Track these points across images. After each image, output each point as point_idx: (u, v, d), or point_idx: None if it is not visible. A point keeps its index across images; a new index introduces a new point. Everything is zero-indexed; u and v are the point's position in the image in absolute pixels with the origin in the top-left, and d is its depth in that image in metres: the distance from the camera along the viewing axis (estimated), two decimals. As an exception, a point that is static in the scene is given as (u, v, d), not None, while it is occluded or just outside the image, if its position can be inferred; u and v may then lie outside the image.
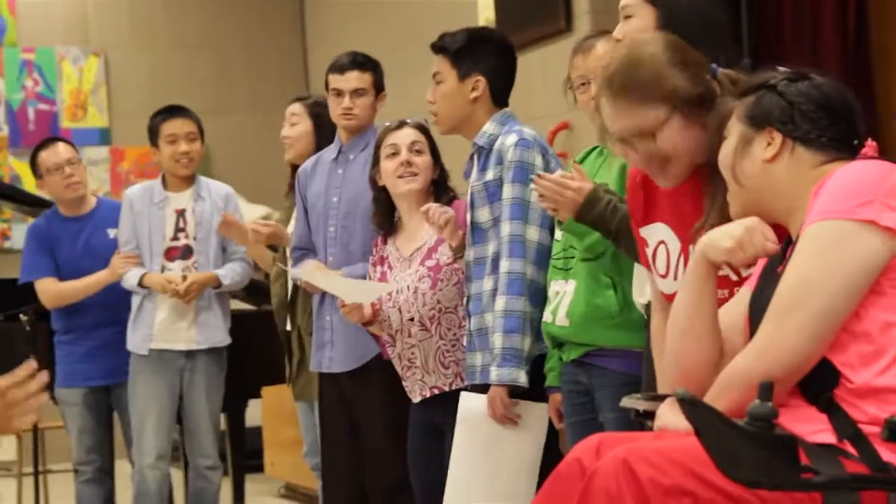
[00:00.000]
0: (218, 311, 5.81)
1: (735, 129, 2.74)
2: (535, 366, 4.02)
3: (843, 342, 2.51)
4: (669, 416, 2.74)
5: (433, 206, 4.32)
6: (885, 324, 2.50)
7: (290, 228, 5.37)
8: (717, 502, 2.45)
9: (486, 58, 4.30)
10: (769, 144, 2.68)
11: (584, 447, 2.72)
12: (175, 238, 5.79)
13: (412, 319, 4.46)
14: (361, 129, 5.03)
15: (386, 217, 4.65)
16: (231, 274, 5.79)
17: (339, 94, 5.02)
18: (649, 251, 3.12)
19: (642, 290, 3.49)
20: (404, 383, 4.57)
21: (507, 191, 4.09)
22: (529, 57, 6.72)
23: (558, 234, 3.91)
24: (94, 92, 10.26)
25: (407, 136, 4.56)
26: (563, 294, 3.78)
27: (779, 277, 2.58)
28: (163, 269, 5.75)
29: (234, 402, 6.28)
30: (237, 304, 6.62)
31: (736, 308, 2.77)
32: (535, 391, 4.04)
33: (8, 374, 2.55)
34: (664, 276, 3.07)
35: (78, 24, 10.26)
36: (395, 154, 4.53)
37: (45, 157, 6.09)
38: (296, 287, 5.32)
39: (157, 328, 5.73)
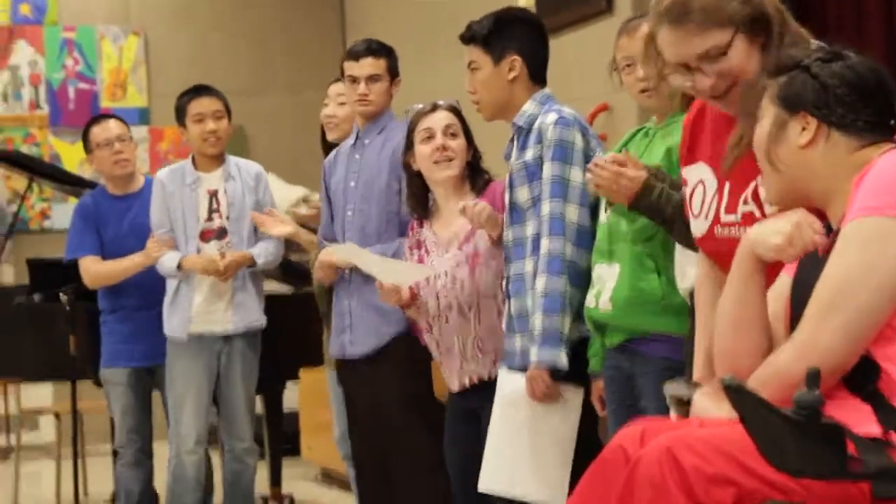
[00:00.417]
0: (252, 291, 5.80)
1: (769, 111, 2.70)
2: (579, 350, 3.99)
3: (886, 336, 2.48)
4: (706, 402, 2.71)
5: (468, 205, 4.29)
6: None
7: None
8: (761, 491, 2.42)
9: (518, 36, 4.29)
10: (804, 129, 2.64)
11: (627, 434, 2.70)
12: (209, 219, 5.78)
13: (450, 306, 4.44)
14: (377, 114, 5.06)
15: (420, 201, 4.63)
16: (265, 253, 5.77)
17: (354, 80, 5.04)
18: (687, 190, 3.08)
19: (684, 275, 3.45)
20: (442, 371, 4.55)
21: (548, 169, 4.07)
22: (568, 38, 6.68)
23: (602, 217, 3.87)
24: (134, 71, 10.27)
25: (441, 119, 4.54)
26: (607, 278, 3.75)
27: (821, 264, 2.54)
28: (198, 252, 5.73)
29: (272, 385, 6.28)
30: (275, 287, 6.62)
31: (777, 294, 2.72)
32: (578, 375, 4.01)
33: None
34: (696, 217, 3.03)
35: (118, 3, 10.27)
36: (430, 138, 4.52)
37: (97, 132, 6.11)
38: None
39: (195, 311, 5.72)
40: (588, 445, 3.94)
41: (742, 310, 2.67)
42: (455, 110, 4.59)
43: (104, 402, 6.24)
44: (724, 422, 2.58)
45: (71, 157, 9.89)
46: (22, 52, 10.05)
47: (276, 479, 6.61)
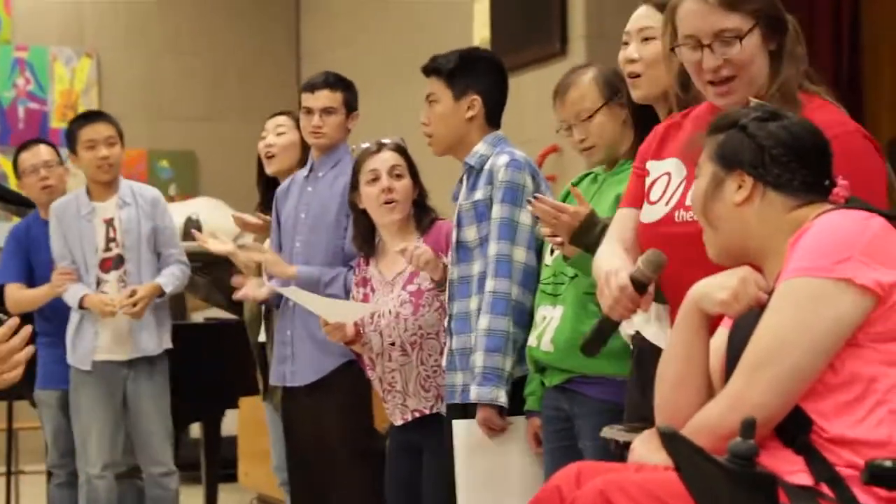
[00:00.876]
0: (152, 319, 5.74)
1: (706, 168, 2.73)
2: (516, 388, 4.01)
3: (818, 392, 2.52)
4: (643, 450, 2.73)
5: (409, 249, 4.31)
6: (860, 377, 2.50)
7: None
8: (694, 537, 2.44)
9: (481, 77, 4.32)
10: (740, 187, 2.67)
11: (563, 475, 2.72)
12: (107, 249, 5.74)
13: (393, 344, 4.47)
14: (332, 147, 5.07)
15: (366, 239, 4.65)
16: (172, 280, 5.74)
17: (309, 111, 5.05)
18: (648, 180, 3.09)
19: (629, 321, 3.47)
20: (385, 406, 4.56)
21: (497, 210, 4.09)
22: (523, 79, 6.73)
23: (548, 258, 3.91)
24: (86, 93, 10.24)
25: (386, 160, 4.56)
26: (550, 319, 3.77)
27: (756, 319, 2.57)
28: (98, 282, 5.70)
29: (211, 412, 6.26)
30: (218, 313, 6.61)
31: (715, 348, 2.75)
32: (516, 414, 4.03)
33: None
34: (653, 203, 3.04)
35: (72, 24, 10.25)
36: (375, 179, 4.53)
37: (25, 157, 6.11)
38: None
39: (99, 342, 5.69)
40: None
41: (685, 365, 2.69)
42: (401, 149, 4.61)
43: (39, 421, 6.21)
44: (661, 467, 2.60)
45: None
46: (-27, 70, 10.00)
47: (211, 505, 6.59)
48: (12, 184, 9.32)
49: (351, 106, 5.10)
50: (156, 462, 5.80)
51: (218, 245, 5.63)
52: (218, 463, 6.54)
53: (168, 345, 5.80)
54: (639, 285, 2.86)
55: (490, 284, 4.05)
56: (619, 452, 2.93)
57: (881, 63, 5.93)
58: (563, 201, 3.83)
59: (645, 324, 3.31)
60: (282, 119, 5.53)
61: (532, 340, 3.82)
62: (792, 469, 2.48)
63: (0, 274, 6.07)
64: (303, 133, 5.18)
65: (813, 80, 3.00)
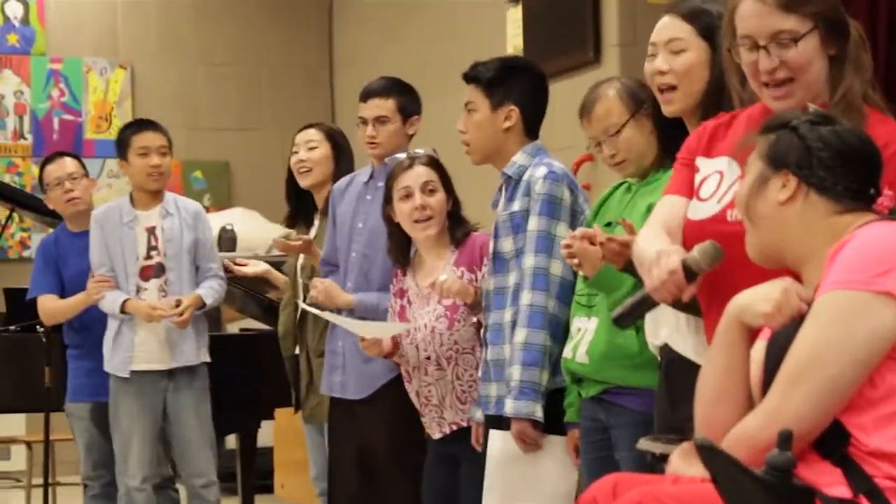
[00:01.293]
0: (191, 330, 5.74)
1: (754, 166, 2.72)
2: (555, 400, 3.99)
3: (857, 405, 2.49)
4: (680, 464, 2.71)
5: (438, 283, 4.30)
6: None
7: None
8: (730, 550, 2.42)
9: (520, 87, 4.29)
10: (784, 186, 2.66)
11: (600, 486, 2.71)
12: (148, 257, 5.75)
13: (429, 358, 4.46)
14: (389, 155, 5.00)
15: (402, 251, 4.63)
16: (211, 293, 5.75)
17: (364, 122, 5.02)
18: (698, 177, 3.05)
19: (656, 333, 3.45)
20: (423, 419, 4.56)
21: (534, 223, 4.08)
22: (556, 87, 6.66)
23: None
24: (120, 104, 10.27)
25: (419, 176, 4.53)
26: (585, 331, 3.76)
27: (795, 331, 2.55)
28: (138, 290, 5.70)
29: (247, 423, 6.27)
30: (253, 324, 6.61)
31: (753, 360, 2.73)
32: (555, 426, 4.01)
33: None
34: (704, 200, 3.01)
35: (107, 36, 10.28)
36: (408, 196, 4.51)
37: (50, 170, 6.12)
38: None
39: (137, 350, 5.69)
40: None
41: (725, 380, 2.66)
42: (433, 162, 4.59)
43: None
44: (697, 479, 2.58)
45: (53, 187, 9.87)
46: (8, 82, 10.04)
47: (247, 517, 6.59)
48: (47, 195, 9.38)
49: (407, 111, 5.05)
50: (197, 473, 5.80)
51: (252, 268, 5.66)
52: (254, 474, 6.54)
53: (206, 357, 5.81)
54: (689, 273, 2.82)
55: (527, 297, 4.03)
56: (655, 464, 2.91)
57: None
58: (598, 210, 3.81)
59: (674, 335, 3.29)
60: (311, 133, 5.52)
61: (567, 352, 3.81)
62: (830, 481, 2.46)
63: (32, 287, 6.08)
64: (363, 143, 5.15)
65: (875, 90, 2.96)
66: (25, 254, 9.96)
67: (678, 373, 3.26)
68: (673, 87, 3.40)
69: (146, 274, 5.72)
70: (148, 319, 5.61)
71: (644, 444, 2.94)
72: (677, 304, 2.99)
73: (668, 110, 3.44)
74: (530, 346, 3.99)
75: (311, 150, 5.50)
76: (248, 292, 6.57)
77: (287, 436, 7.59)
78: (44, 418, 6.27)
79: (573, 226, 3.98)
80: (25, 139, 10.08)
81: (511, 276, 4.16)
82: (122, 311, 5.64)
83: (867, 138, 2.68)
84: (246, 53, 10.51)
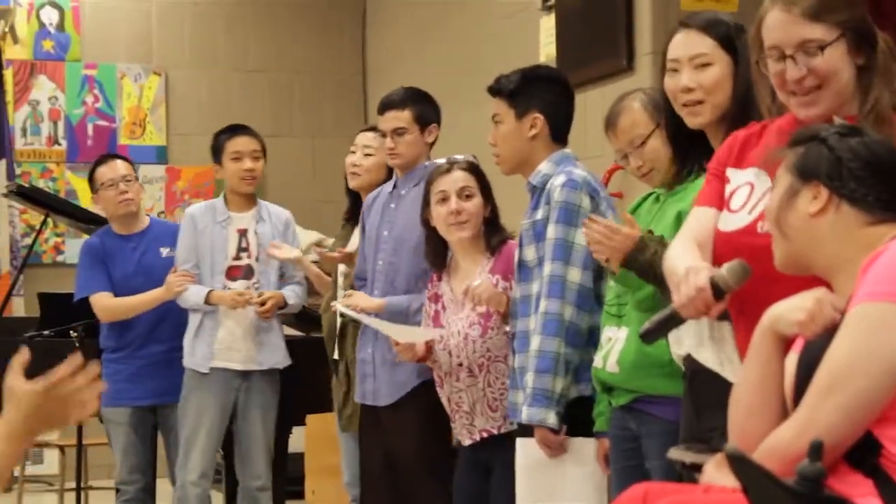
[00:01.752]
0: (277, 332, 5.83)
1: (783, 179, 2.72)
2: (583, 408, 3.99)
3: (889, 417, 2.49)
4: (715, 474, 2.70)
5: (470, 289, 4.31)
6: None
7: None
8: (761, 561, 2.41)
9: (542, 94, 4.31)
10: (815, 198, 2.66)
11: (630, 496, 2.71)
12: (237, 258, 5.82)
13: (461, 364, 4.47)
14: (411, 165, 5.06)
15: (438, 255, 4.65)
16: (293, 296, 5.85)
17: (383, 134, 5.05)
18: (728, 188, 3.05)
19: (680, 343, 3.45)
20: (452, 425, 4.57)
21: (551, 231, 4.09)
22: (589, 95, 6.71)
23: (612, 279, 3.88)
24: (153, 110, 10.32)
25: (456, 181, 4.55)
26: (615, 340, 3.75)
27: (827, 342, 2.54)
28: (224, 289, 5.76)
29: (280, 428, 6.28)
30: (287, 330, 6.63)
31: (786, 372, 2.72)
32: (586, 435, 4.02)
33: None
34: (735, 212, 3.01)
35: (141, 42, 10.34)
36: (444, 200, 4.53)
37: (102, 171, 6.15)
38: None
39: (218, 346, 5.75)
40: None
41: (760, 393, 2.66)
42: (472, 168, 4.60)
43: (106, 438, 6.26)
44: (728, 489, 2.58)
45: (87, 193, 9.86)
46: (43, 88, 10.11)
47: (279, 522, 6.60)
48: (82, 201, 9.44)
49: (424, 120, 5.08)
50: (255, 475, 5.87)
51: (284, 252, 5.69)
52: (285, 479, 6.55)
53: (286, 361, 5.86)
54: (717, 291, 2.82)
55: (543, 305, 4.05)
56: (685, 473, 2.91)
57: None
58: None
59: (698, 347, 3.29)
60: (370, 137, 5.53)
61: (598, 361, 3.81)
62: (861, 492, 2.45)
63: (83, 286, 6.10)
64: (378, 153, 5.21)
65: None
66: (59, 259, 10.01)
67: (702, 383, 3.26)
68: (700, 101, 3.40)
69: (233, 274, 5.79)
70: (232, 306, 5.66)
71: (675, 453, 2.93)
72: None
73: (694, 122, 3.43)
74: (544, 353, 4.00)
75: (367, 155, 5.53)
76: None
77: (319, 442, 7.61)
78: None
79: None
80: (60, 145, 10.13)
81: (535, 284, 4.17)
82: (207, 301, 5.68)
83: None
84: (279, 60, 10.55)
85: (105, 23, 10.26)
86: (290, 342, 6.36)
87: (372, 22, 10.66)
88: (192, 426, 5.75)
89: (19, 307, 9.43)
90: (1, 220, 9.76)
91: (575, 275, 4.03)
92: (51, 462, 9.23)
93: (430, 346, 4.58)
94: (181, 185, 10.27)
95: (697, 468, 2.81)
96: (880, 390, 2.47)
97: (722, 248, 2.98)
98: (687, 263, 2.89)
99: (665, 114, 3.55)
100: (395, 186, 5.11)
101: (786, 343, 2.66)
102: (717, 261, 2.93)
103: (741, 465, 2.32)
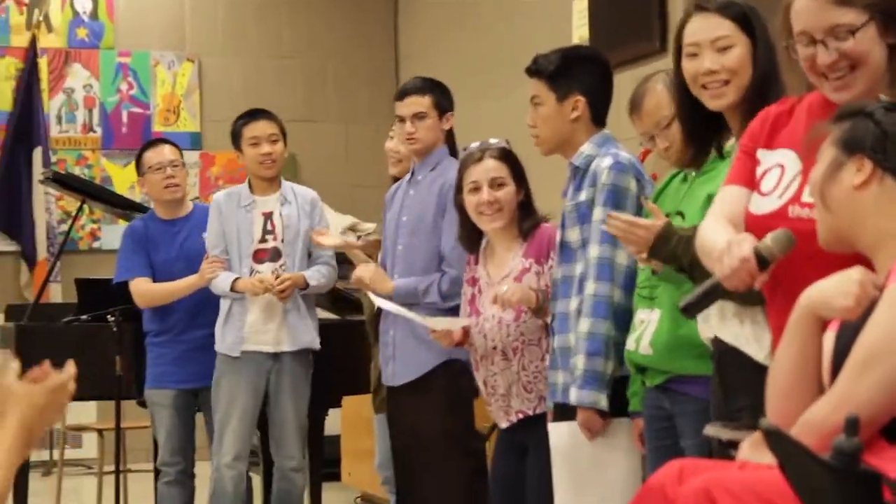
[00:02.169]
0: (305, 313, 5.85)
1: (828, 152, 2.72)
2: (620, 387, 4.01)
3: None
4: (751, 453, 2.72)
5: (499, 296, 4.33)
6: None
7: None
8: (797, 536, 2.43)
9: (584, 77, 4.30)
10: (859, 171, 2.66)
11: (666, 472, 2.72)
12: (263, 240, 5.85)
13: (495, 348, 4.49)
14: (428, 150, 5.12)
15: (473, 240, 4.67)
16: (317, 276, 5.84)
17: (401, 119, 5.10)
18: (759, 170, 3.05)
19: (708, 322, 3.46)
20: (489, 408, 4.59)
21: (598, 213, 4.08)
22: (622, 77, 6.69)
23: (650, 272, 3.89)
24: (187, 97, 10.37)
25: (487, 170, 4.56)
26: (648, 322, 3.76)
27: (864, 319, 2.55)
28: (251, 272, 5.80)
29: (315, 411, 6.31)
30: (322, 314, 6.66)
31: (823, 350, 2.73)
32: (621, 415, 4.03)
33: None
34: (765, 195, 3.00)
35: (174, 29, 10.38)
36: (476, 190, 4.55)
37: (151, 156, 6.19)
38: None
39: (248, 330, 5.78)
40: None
41: (799, 374, 2.66)
42: (505, 154, 4.60)
43: (146, 420, 6.31)
44: (764, 466, 2.59)
45: (122, 179, 10.00)
46: (77, 76, 10.17)
47: (316, 503, 6.63)
48: (117, 187, 9.50)
49: (442, 107, 5.15)
50: (289, 455, 5.89)
51: (329, 239, 5.71)
52: (322, 462, 6.59)
53: (316, 344, 5.89)
54: (761, 261, 2.80)
55: (591, 287, 4.04)
56: (722, 450, 2.92)
57: None
58: (655, 201, 3.81)
59: (720, 324, 3.30)
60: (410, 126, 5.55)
61: (630, 344, 3.81)
62: (898, 466, 2.46)
63: (123, 270, 6.15)
64: (400, 141, 5.25)
65: None
66: (95, 245, 10.08)
67: (729, 364, 3.27)
68: (726, 82, 3.40)
69: (260, 256, 5.82)
70: (252, 293, 5.70)
71: (711, 430, 2.94)
72: (739, 295, 2.99)
73: (716, 104, 3.42)
74: (594, 335, 4.00)
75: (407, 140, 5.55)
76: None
77: (354, 424, 7.65)
78: (115, 406, 6.34)
79: (638, 216, 3.98)
80: (94, 132, 10.20)
81: (577, 265, 4.17)
82: (233, 289, 5.73)
83: None
84: (312, 46, 10.58)
85: (138, 10, 10.31)
86: (326, 325, 6.40)
87: (404, 7, 10.68)
88: (224, 410, 5.79)
89: (56, 293, 9.51)
90: (38, 207, 9.84)
91: (622, 257, 4.03)
92: (89, 446, 9.31)
93: (466, 331, 4.61)
94: (215, 171, 10.32)
95: (734, 445, 2.82)
96: None
97: (753, 230, 2.96)
98: (726, 237, 2.89)
99: (678, 97, 3.54)
100: (412, 174, 5.16)
101: (824, 325, 2.66)
102: None
103: (777, 440, 2.33)
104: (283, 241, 5.83)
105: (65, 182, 7.84)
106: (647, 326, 3.75)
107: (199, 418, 6.18)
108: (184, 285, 5.97)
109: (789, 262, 2.83)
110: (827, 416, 2.52)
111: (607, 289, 4.02)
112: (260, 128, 5.88)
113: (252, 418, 5.83)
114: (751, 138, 3.11)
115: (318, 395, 6.13)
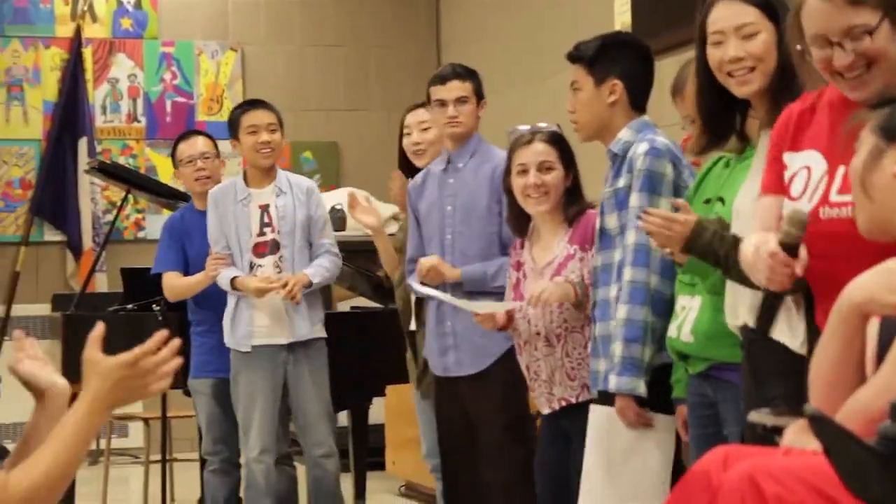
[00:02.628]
0: (304, 306, 5.81)
1: (867, 140, 2.70)
2: (663, 376, 4.00)
3: None
4: (796, 438, 2.71)
5: (535, 299, 4.34)
6: None
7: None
8: (842, 522, 2.42)
9: (622, 61, 4.30)
10: (900, 158, 2.65)
11: (710, 459, 2.71)
12: (261, 234, 5.84)
13: (538, 333, 4.48)
14: (467, 136, 5.13)
15: (520, 222, 4.67)
16: (321, 271, 5.82)
17: (442, 104, 5.10)
18: (787, 174, 3.05)
19: (736, 312, 3.45)
20: (532, 393, 4.59)
21: (635, 199, 4.08)
22: (665, 63, 6.68)
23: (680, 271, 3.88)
24: (230, 86, 10.41)
25: (536, 153, 4.55)
26: (689, 310, 3.74)
27: None
28: (251, 266, 5.80)
29: (359, 400, 6.33)
30: (364, 302, 6.68)
31: (867, 335, 2.71)
32: (664, 402, 4.02)
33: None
34: (795, 199, 3.00)
35: (217, 18, 10.42)
36: (524, 172, 4.54)
37: (183, 148, 6.24)
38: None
39: (257, 325, 5.79)
40: (672, 470, 3.99)
41: (842, 369, 2.64)
42: (555, 139, 4.60)
43: (192, 410, 6.34)
44: (809, 451, 2.58)
45: (166, 169, 10.01)
46: (122, 66, 10.22)
47: (360, 493, 6.66)
48: (162, 176, 9.55)
49: (480, 94, 5.18)
50: (317, 443, 5.89)
51: (366, 217, 5.68)
52: (366, 451, 6.61)
53: (322, 333, 5.89)
54: (789, 248, 2.82)
55: (628, 274, 4.04)
56: (766, 436, 2.91)
57: None
58: (697, 187, 3.80)
59: (749, 313, 3.28)
60: (422, 113, 5.56)
61: (672, 331, 3.80)
62: (945, 452, 2.44)
63: (157, 263, 6.21)
64: (435, 125, 5.25)
65: None
66: (140, 234, 10.14)
67: (759, 351, 3.26)
68: (752, 69, 3.40)
69: (260, 250, 5.82)
70: (257, 295, 5.71)
71: (755, 416, 2.93)
72: (787, 292, 2.98)
73: (743, 91, 3.42)
74: (632, 322, 4.00)
75: (424, 130, 5.55)
76: (359, 270, 6.63)
77: (398, 413, 7.66)
78: (161, 395, 6.38)
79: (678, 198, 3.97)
80: (139, 122, 10.25)
81: (617, 252, 4.16)
82: (233, 287, 5.74)
83: None
84: (354, 34, 10.60)
85: (182, 1, 10.35)
86: (368, 314, 6.42)
87: (446, -5, 10.68)
88: (245, 406, 5.81)
89: (102, 283, 9.57)
90: (83, 197, 9.90)
91: None
92: (136, 435, 9.37)
93: (510, 315, 4.61)
94: (259, 160, 10.34)
95: (778, 431, 2.81)
96: None
97: None
98: (752, 244, 2.89)
99: (700, 85, 3.54)
100: (448, 162, 5.14)
101: (867, 320, 2.64)
102: None
103: (822, 426, 2.33)
104: (280, 232, 5.82)
105: (110, 172, 7.89)
106: (689, 314, 3.74)
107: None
108: (195, 281, 6.01)
109: (825, 266, 2.84)
110: (871, 401, 2.51)
111: (644, 275, 4.01)
112: (258, 116, 5.89)
113: (274, 411, 5.82)
114: (776, 143, 3.11)
115: (361, 384, 6.14)
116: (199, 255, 6.07)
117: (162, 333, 2.65)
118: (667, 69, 6.81)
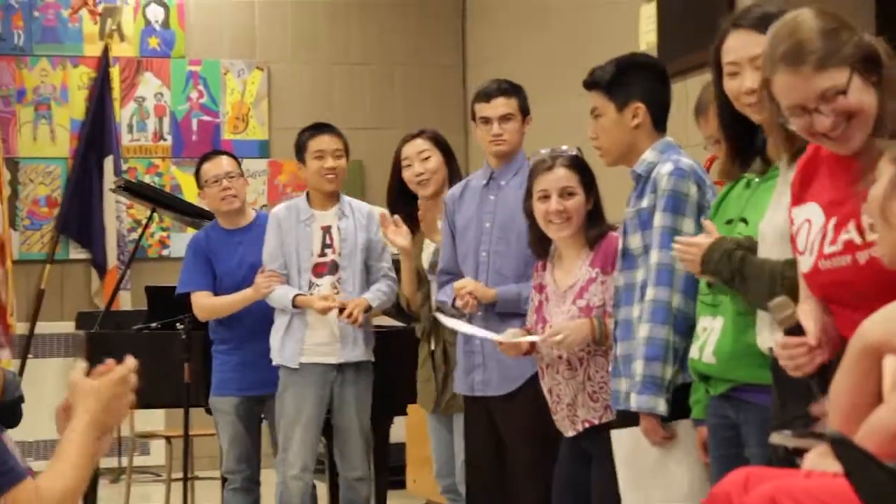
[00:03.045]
0: (360, 328, 5.85)
1: (886, 170, 2.70)
2: (684, 394, 3.98)
3: None
4: (818, 461, 2.69)
5: (554, 342, 4.37)
6: None
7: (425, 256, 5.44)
8: (864, 545, 2.40)
9: (641, 83, 4.29)
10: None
11: (732, 480, 2.72)
12: (322, 254, 5.87)
13: (560, 357, 4.47)
14: (512, 154, 5.11)
15: (541, 245, 4.66)
16: (379, 296, 5.89)
17: (487, 121, 5.08)
18: (794, 229, 3.09)
19: (763, 335, 3.44)
20: (554, 417, 4.57)
21: (659, 219, 4.07)
22: (691, 83, 6.68)
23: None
24: (256, 105, 10.43)
25: (558, 179, 4.54)
26: (711, 331, 3.72)
27: None
28: (310, 286, 5.82)
29: (381, 419, 6.32)
30: (387, 321, 6.67)
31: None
32: (681, 418, 4.01)
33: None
34: (801, 254, 3.04)
35: (244, 37, 10.45)
36: (545, 198, 4.53)
37: (208, 168, 6.25)
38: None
39: (308, 343, 5.80)
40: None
41: (857, 404, 2.64)
42: (575, 163, 4.58)
43: (213, 428, 6.34)
44: (830, 474, 2.56)
45: (192, 187, 9.96)
46: (149, 84, 10.26)
47: (381, 511, 6.65)
48: (187, 195, 9.57)
49: (525, 110, 5.15)
50: (353, 466, 5.92)
51: (399, 238, 5.65)
52: (387, 469, 6.60)
53: (371, 356, 5.95)
54: (790, 333, 2.94)
55: (651, 293, 4.03)
56: (788, 458, 2.89)
57: None
58: (718, 207, 3.79)
59: (770, 337, 3.28)
60: (420, 143, 5.58)
61: (694, 352, 3.78)
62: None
63: (185, 282, 6.22)
64: (481, 143, 5.21)
65: None
66: (165, 252, 10.16)
67: (784, 373, 3.25)
68: None
69: (319, 271, 5.86)
70: (321, 312, 5.71)
71: (777, 437, 2.91)
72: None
73: (759, 118, 3.46)
74: (653, 340, 3.98)
75: (425, 160, 5.56)
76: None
77: (419, 432, 7.63)
78: (183, 413, 6.38)
79: (700, 222, 3.97)
80: (165, 140, 10.28)
81: (639, 272, 4.15)
82: (294, 305, 5.74)
83: None
84: (380, 53, 10.61)
85: (209, 19, 10.39)
86: (392, 333, 6.41)
87: (471, 13, 10.69)
88: (289, 421, 5.82)
89: (126, 301, 9.59)
90: (108, 215, 9.93)
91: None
92: (157, 453, 9.37)
93: (533, 343, 4.60)
94: (283, 179, 10.37)
95: (800, 453, 2.79)
96: None
97: (808, 288, 3.05)
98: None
99: (720, 113, 3.56)
100: (490, 178, 5.12)
101: (883, 355, 2.64)
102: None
103: (844, 449, 2.32)
104: (340, 254, 5.85)
105: (135, 190, 7.91)
106: (711, 335, 3.72)
107: (265, 426, 6.20)
108: (239, 298, 6.02)
109: (836, 312, 2.90)
110: (890, 419, 2.49)
111: (667, 294, 4.00)
112: (326, 142, 5.93)
113: (317, 429, 5.85)
114: (791, 201, 3.15)
115: (383, 403, 6.14)
116: (227, 274, 6.09)
117: (131, 360, 2.71)
118: (693, 89, 6.79)
